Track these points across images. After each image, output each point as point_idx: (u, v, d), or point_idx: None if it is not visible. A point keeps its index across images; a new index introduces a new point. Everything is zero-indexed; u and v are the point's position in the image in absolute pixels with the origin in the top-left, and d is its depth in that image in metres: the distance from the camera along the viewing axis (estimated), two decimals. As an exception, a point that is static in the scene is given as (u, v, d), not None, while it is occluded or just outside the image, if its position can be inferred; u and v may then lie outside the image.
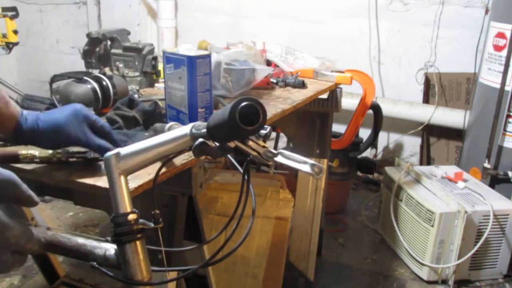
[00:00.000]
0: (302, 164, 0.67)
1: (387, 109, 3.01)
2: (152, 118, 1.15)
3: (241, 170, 0.77)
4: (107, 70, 1.48)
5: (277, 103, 1.44)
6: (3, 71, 4.10)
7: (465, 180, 2.40)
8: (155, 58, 1.54)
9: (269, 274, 1.91)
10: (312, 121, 2.05)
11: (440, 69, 3.15)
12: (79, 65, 1.66)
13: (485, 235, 2.12)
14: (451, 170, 2.52)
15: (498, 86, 2.44)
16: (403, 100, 3.19)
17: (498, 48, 2.47)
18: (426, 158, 3.29)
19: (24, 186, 0.65)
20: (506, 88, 2.42)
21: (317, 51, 2.21)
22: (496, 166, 2.51)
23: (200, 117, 1.13)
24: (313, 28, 3.41)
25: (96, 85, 1.21)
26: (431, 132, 3.25)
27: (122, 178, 0.69)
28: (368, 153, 3.23)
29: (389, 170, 2.58)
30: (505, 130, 2.47)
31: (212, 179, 2.06)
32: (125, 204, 0.68)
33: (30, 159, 0.89)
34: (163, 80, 1.32)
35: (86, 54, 1.60)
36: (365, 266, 2.39)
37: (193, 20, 3.73)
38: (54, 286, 1.93)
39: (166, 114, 1.20)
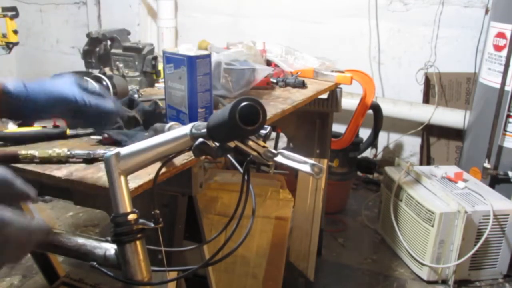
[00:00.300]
0: (302, 164, 0.67)
1: (387, 109, 3.01)
2: (152, 118, 1.15)
3: (241, 170, 0.77)
4: (107, 70, 1.48)
5: (277, 103, 1.44)
6: (3, 71, 4.10)
7: (465, 180, 2.40)
8: (155, 58, 1.54)
9: (269, 274, 1.91)
10: (312, 121, 2.05)
11: (440, 69, 3.15)
12: (79, 65, 1.66)
13: (485, 235, 2.12)
14: (451, 170, 2.52)
15: (498, 86, 2.44)
16: (403, 100, 3.18)
17: (498, 48, 2.47)
18: (426, 158, 3.29)
19: (19, 182, 0.63)
20: (506, 88, 2.42)
21: (317, 51, 2.21)
22: (496, 166, 2.51)
23: (200, 117, 1.13)
24: (313, 28, 3.41)
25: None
26: (431, 132, 3.25)
27: (122, 178, 0.69)
28: (368, 153, 3.23)
29: (389, 170, 2.58)
30: (505, 130, 2.47)
31: (212, 179, 2.06)
32: (125, 204, 0.68)
33: (30, 159, 0.89)
34: (163, 80, 1.32)
35: (86, 54, 1.60)
36: (365, 266, 2.39)
37: (193, 20, 3.73)
38: (54, 286, 1.93)
39: (166, 114, 1.20)
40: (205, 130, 0.71)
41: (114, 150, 0.70)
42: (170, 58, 1.15)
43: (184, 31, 3.79)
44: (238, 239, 0.72)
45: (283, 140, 3.22)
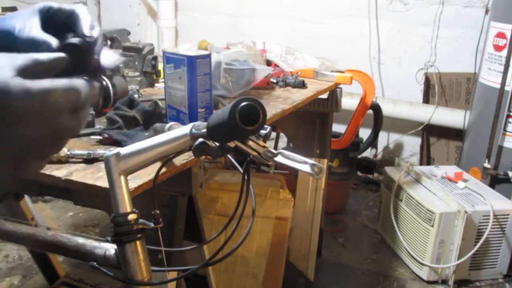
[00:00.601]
0: (302, 164, 0.67)
1: (387, 109, 3.01)
2: (152, 118, 1.15)
3: (241, 170, 0.77)
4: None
5: (277, 103, 1.44)
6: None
7: (465, 180, 2.40)
8: (155, 58, 1.54)
9: (269, 274, 1.91)
10: (312, 121, 2.05)
11: (440, 69, 3.15)
12: (79, 65, 1.65)
13: (485, 235, 2.12)
14: (451, 170, 2.52)
15: (498, 86, 2.44)
16: (403, 100, 3.18)
17: (498, 48, 2.47)
18: (426, 158, 3.29)
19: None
20: (506, 88, 2.42)
21: (317, 51, 2.22)
22: (496, 166, 2.51)
23: (200, 117, 1.13)
24: (313, 28, 3.41)
25: (96, 85, 1.21)
26: (431, 132, 3.25)
27: (122, 178, 0.69)
28: (368, 153, 3.23)
29: (389, 170, 2.58)
30: (505, 130, 2.47)
31: (212, 179, 2.06)
32: (125, 204, 0.68)
33: (30, 159, 0.89)
34: (163, 80, 1.32)
35: (86, 54, 1.59)
36: (365, 266, 2.39)
37: (193, 20, 3.73)
38: (54, 286, 1.93)
39: (166, 114, 1.20)
40: (205, 130, 0.71)
41: (114, 150, 0.70)
42: (170, 58, 1.15)
43: (184, 31, 3.79)
44: (238, 239, 0.72)
45: (283, 140, 3.22)
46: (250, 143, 0.72)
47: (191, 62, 1.10)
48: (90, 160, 0.90)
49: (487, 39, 2.61)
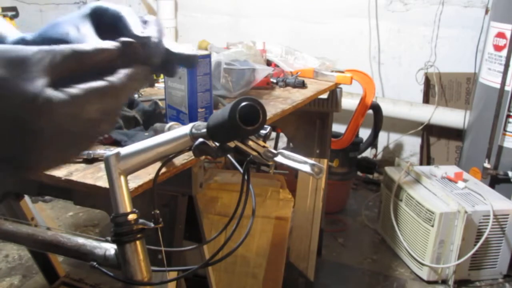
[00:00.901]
0: (302, 164, 0.67)
1: (387, 109, 3.01)
2: (152, 118, 1.15)
3: (241, 170, 0.77)
4: None
5: (277, 103, 1.44)
6: None
7: (465, 180, 2.40)
8: (155, 58, 1.54)
9: (269, 274, 1.91)
10: (312, 121, 2.05)
11: (440, 69, 3.15)
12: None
13: (485, 235, 2.12)
14: (451, 170, 2.52)
15: (498, 86, 2.44)
16: (403, 100, 3.19)
17: (498, 48, 2.47)
18: (426, 158, 3.29)
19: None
20: (506, 88, 2.42)
21: (317, 51, 2.22)
22: (496, 166, 2.51)
23: (200, 117, 1.13)
24: (313, 28, 3.41)
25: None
26: (431, 132, 3.25)
27: (122, 178, 0.69)
28: (368, 153, 3.23)
29: (389, 170, 2.58)
30: (505, 130, 2.47)
31: (212, 179, 2.06)
32: (125, 204, 0.68)
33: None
34: (163, 80, 1.32)
35: (86, 54, 1.59)
36: (365, 266, 2.39)
37: (193, 20, 3.73)
38: (54, 286, 1.93)
39: (166, 114, 1.20)
40: (205, 130, 0.71)
41: (114, 150, 0.70)
42: (170, 58, 1.15)
43: (184, 31, 3.79)
44: (238, 239, 0.72)
45: (283, 140, 3.22)
46: (250, 143, 0.72)
47: (191, 62, 1.10)
48: (90, 160, 0.90)
49: (487, 39, 2.61)
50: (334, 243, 2.58)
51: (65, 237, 0.73)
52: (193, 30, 3.73)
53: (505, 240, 2.22)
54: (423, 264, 2.24)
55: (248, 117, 0.65)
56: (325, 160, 2.07)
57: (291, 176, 2.38)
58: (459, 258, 2.15)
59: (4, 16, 2.83)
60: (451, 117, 3.03)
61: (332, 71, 1.85)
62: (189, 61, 0.50)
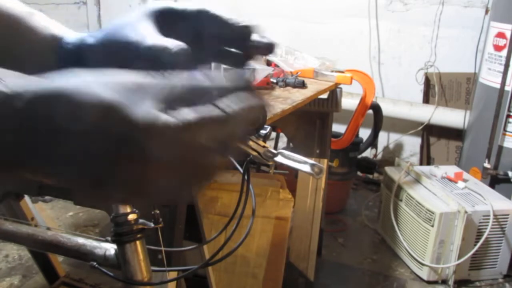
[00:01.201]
0: (302, 164, 0.67)
1: (387, 109, 3.01)
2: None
3: (241, 170, 0.77)
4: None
5: (277, 103, 1.44)
6: (3, 71, 4.09)
7: (465, 180, 2.40)
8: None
9: (269, 274, 1.91)
10: (312, 121, 2.05)
11: (440, 69, 3.15)
12: (79, 65, 1.65)
13: (485, 235, 2.12)
14: (451, 170, 2.52)
15: (498, 86, 2.44)
16: (403, 100, 3.19)
17: (498, 48, 2.47)
18: (426, 158, 3.29)
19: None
20: (506, 88, 2.42)
21: (317, 51, 2.22)
22: (496, 166, 2.51)
23: (200, 117, 1.12)
24: (313, 28, 3.41)
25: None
26: (431, 132, 3.25)
27: (122, 178, 0.69)
28: (368, 153, 3.23)
29: (389, 170, 2.58)
30: (505, 130, 2.47)
31: (212, 179, 2.05)
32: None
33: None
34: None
35: (86, 54, 1.59)
36: (365, 266, 2.39)
37: (193, 20, 3.73)
38: (54, 286, 1.93)
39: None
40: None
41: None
42: (170, 58, 1.15)
43: (184, 31, 3.79)
44: (238, 239, 0.72)
45: (283, 140, 3.22)
46: (250, 143, 0.72)
47: (191, 62, 1.10)
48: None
49: (487, 39, 2.61)
50: (334, 243, 2.58)
51: (65, 237, 0.73)
52: (193, 30, 3.72)
53: (505, 240, 2.22)
54: (423, 264, 2.24)
55: (248, 117, 0.65)
56: (325, 160, 2.07)
57: (291, 176, 2.38)
58: (459, 258, 2.15)
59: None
60: (451, 117, 3.03)
61: (332, 71, 1.85)
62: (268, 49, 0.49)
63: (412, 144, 3.40)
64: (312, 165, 0.60)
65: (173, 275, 0.84)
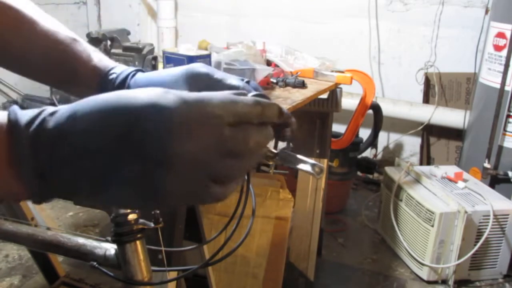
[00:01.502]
0: (303, 164, 0.67)
1: (387, 109, 3.01)
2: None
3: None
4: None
5: (277, 103, 1.44)
6: (3, 71, 4.07)
7: (465, 180, 2.40)
8: (155, 58, 1.54)
9: (269, 274, 1.91)
10: (312, 121, 2.05)
11: (440, 69, 3.15)
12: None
13: (485, 235, 2.12)
14: (451, 170, 2.52)
15: (498, 86, 2.44)
16: (403, 100, 3.19)
17: (498, 48, 2.47)
18: (426, 158, 3.29)
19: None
20: (506, 88, 2.42)
21: (317, 51, 2.21)
22: (496, 166, 2.51)
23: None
24: (313, 28, 3.41)
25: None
26: (431, 132, 3.25)
27: (122, 178, 0.69)
28: (368, 153, 3.23)
29: (389, 170, 2.58)
30: (505, 130, 2.47)
31: (212, 179, 2.05)
32: (125, 204, 0.68)
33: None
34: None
35: (86, 54, 1.59)
36: (365, 266, 2.39)
37: (193, 20, 3.73)
38: (54, 286, 1.93)
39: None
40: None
41: None
42: (170, 58, 1.15)
43: (184, 31, 3.79)
44: (238, 239, 0.72)
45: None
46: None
47: (191, 62, 1.10)
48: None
49: (487, 39, 2.61)
50: (334, 243, 2.58)
51: (65, 237, 0.73)
52: (193, 30, 3.73)
53: (505, 240, 2.22)
54: (423, 264, 2.24)
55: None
56: (325, 160, 2.07)
57: (291, 176, 2.38)
58: (459, 258, 2.15)
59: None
60: (451, 117, 3.03)
61: (332, 71, 1.85)
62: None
63: (412, 144, 3.40)
64: (312, 165, 0.60)
65: (173, 275, 0.84)
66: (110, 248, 0.72)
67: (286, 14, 3.46)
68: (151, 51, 1.56)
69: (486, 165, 2.49)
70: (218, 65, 1.40)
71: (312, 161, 0.60)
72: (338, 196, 2.87)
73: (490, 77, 2.52)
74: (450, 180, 2.41)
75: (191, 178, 0.38)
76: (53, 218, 2.65)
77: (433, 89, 3.18)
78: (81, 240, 0.73)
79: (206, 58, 1.13)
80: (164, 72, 0.64)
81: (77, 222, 2.68)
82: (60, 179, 0.37)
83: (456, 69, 3.14)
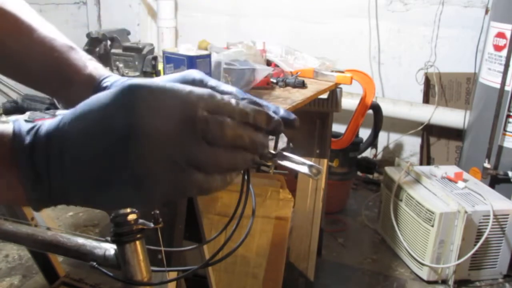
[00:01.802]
0: (300, 165, 0.67)
1: (387, 109, 3.01)
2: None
3: (241, 170, 0.77)
4: (107, 70, 1.48)
5: (277, 103, 1.44)
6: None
7: (465, 180, 2.40)
8: (155, 58, 1.54)
9: (269, 274, 1.91)
10: (312, 121, 2.05)
11: (440, 69, 3.15)
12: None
13: (485, 235, 2.12)
14: (451, 170, 2.52)
15: (498, 86, 2.44)
16: (403, 100, 3.19)
17: (498, 48, 2.47)
18: (426, 158, 3.29)
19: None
20: (506, 88, 2.42)
21: (317, 51, 2.22)
22: (496, 166, 2.51)
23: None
24: (313, 28, 3.41)
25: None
26: (431, 132, 3.25)
27: (122, 178, 0.69)
28: (368, 153, 3.23)
29: (389, 170, 2.58)
30: (505, 130, 2.47)
31: (212, 179, 2.05)
32: (125, 204, 0.68)
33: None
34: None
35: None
36: (365, 266, 2.39)
37: (193, 20, 3.73)
38: (54, 286, 1.93)
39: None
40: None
41: None
42: (170, 58, 1.15)
43: (184, 31, 3.79)
44: (238, 239, 0.72)
45: (283, 140, 3.21)
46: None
47: (191, 62, 1.10)
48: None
49: (487, 39, 2.61)
50: (334, 243, 2.58)
51: (65, 237, 0.73)
52: (193, 30, 3.73)
53: (505, 240, 2.22)
54: (423, 264, 2.24)
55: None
56: (325, 160, 2.07)
57: (291, 176, 2.38)
58: (459, 258, 2.15)
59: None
60: (451, 117, 3.03)
61: (332, 71, 1.85)
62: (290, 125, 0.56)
63: (412, 144, 3.40)
64: (310, 166, 0.60)
65: (173, 275, 0.84)
66: (109, 248, 0.72)
67: (286, 14, 3.46)
68: (151, 51, 1.56)
69: (486, 165, 2.49)
70: (218, 65, 1.40)
71: (309, 162, 0.60)
72: (338, 196, 2.87)
73: (490, 77, 2.52)
74: (450, 180, 2.41)
75: (166, 156, 0.38)
76: (53, 218, 2.65)
77: (433, 89, 3.18)
78: (81, 240, 0.73)
79: (206, 58, 1.13)
80: (158, 79, 0.65)
81: (77, 222, 2.68)
82: (53, 179, 0.41)
83: (456, 69, 3.14)
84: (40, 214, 1.74)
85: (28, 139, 0.41)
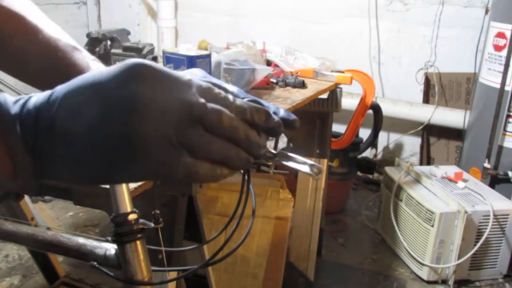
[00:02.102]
0: (301, 164, 0.67)
1: (387, 109, 3.01)
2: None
3: (241, 170, 0.77)
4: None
5: (277, 103, 1.44)
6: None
7: (465, 180, 2.40)
8: (155, 58, 1.54)
9: (269, 274, 1.91)
10: (312, 121, 2.05)
11: (440, 69, 3.15)
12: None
13: (485, 235, 2.12)
14: (451, 170, 2.52)
15: (498, 86, 2.44)
16: (403, 100, 3.19)
17: (498, 48, 2.47)
18: (426, 158, 3.29)
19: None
20: (506, 88, 2.42)
21: (317, 51, 2.22)
22: (496, 166, 2.51)
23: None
24: (313, 28, 3.41)
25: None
26: (431, 132, 3.25)
27: (122, 178, 0.69)
28: (368, 153, 3.23)
29: (389, 170, 2.58)
30: (505, 130, 2.47)
31: (212, 179, 2.05)
32: (125, 204, 0.68)
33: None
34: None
35: (86, 54, 1.59)
36: (365, 266, 2.39)
37: (193, 20, 3.73)
38: (54, 286, 1.93)
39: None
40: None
41: None
42: (170, 58, 1.15)
43: (184, 31, 3.79)
44: (238, 239, 0.72)
45: (283, 140, 3.21)
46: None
47: (191, 62, 1.10)
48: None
49: (487, 39, 2.61)
50: (334, 243, 2.58)
51: (65, 237, 0.73)
52: (193, 30, 3.73)
53: (505, 240, 2.22)
54: (423, 264, 2.24)
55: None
56: (325, 160, 2.07)
57: (291, 176, 2.38)
58: (459, 258, 2.15)
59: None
60: (451, 117, 3.03)
61: (332, 71, 1.85)
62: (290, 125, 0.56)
63: (412, 144, 3.40)
64: (311, 166, 0.60)
65: (173, 275, 0.84)
66: (110, 248, 0.72)
67: (286, 14, 3.46)
68: (151, 51, 1.56)
69: (486, 165, 2.49)
70: (218, 65, 1.40)
71: (310, 161, 0.60)
72: (338, 196, 2.87)
73: (490, 77, 2.52)
74: (450, 180, 2.41)
75: (161, 134, 0.38)
76: (53, 218, 2.65)
77: (433, 89, 3.18)
78: (81, 240, 0.73)
79: (206, 58, 1.13)
80: None
81: (77, 222, 2.68)
82: (41, 151, 0.40)
83: (456, 69, 3.14)
84: (40, 214, 1.74)
85: (15, 109, 0.40)
